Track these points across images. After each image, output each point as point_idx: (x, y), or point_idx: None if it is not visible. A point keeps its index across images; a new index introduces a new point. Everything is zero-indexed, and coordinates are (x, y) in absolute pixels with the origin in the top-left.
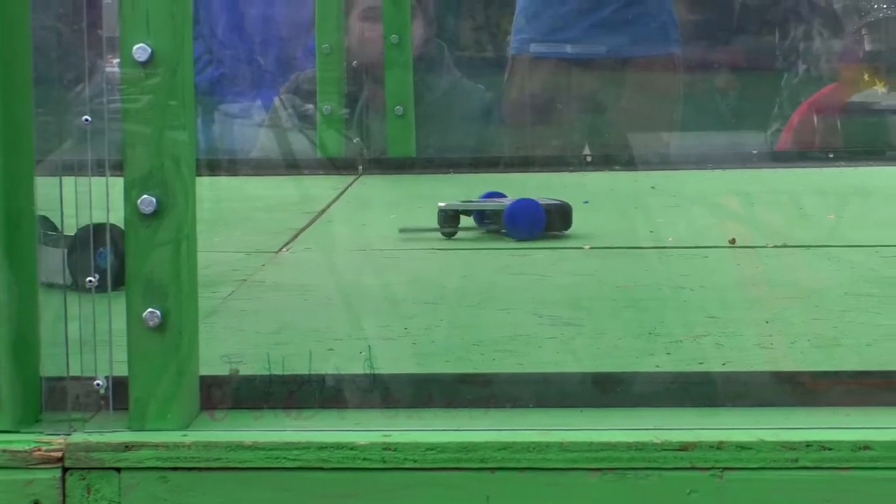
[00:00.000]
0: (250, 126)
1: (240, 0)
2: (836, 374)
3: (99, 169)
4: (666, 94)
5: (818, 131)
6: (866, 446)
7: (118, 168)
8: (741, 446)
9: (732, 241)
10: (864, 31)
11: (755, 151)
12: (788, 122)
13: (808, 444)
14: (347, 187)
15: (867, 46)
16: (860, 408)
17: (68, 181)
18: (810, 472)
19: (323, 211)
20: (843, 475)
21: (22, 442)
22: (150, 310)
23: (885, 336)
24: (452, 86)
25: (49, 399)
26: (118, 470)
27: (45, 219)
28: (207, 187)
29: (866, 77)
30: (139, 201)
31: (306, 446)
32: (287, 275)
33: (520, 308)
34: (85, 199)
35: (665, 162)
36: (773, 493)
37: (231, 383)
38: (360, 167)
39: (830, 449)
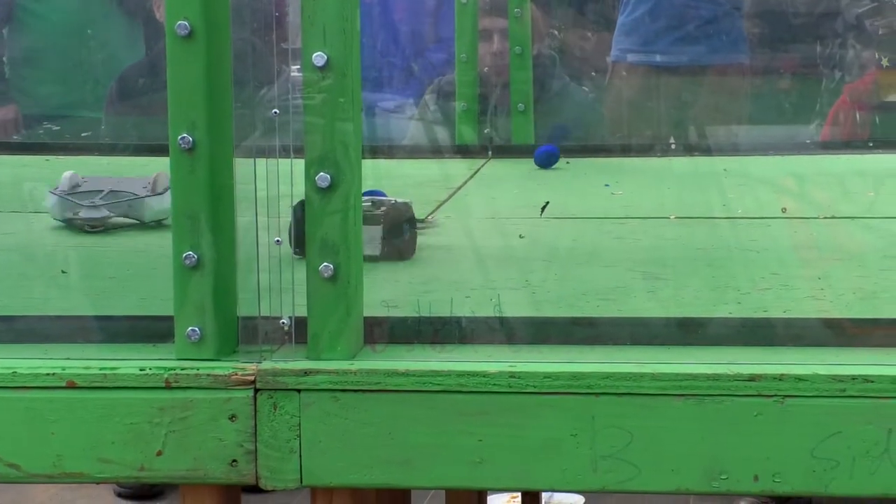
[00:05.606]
0: (403, 119)
1: (395, 19)
2: (876, 321)
3: (284, 152)
4: (735, 94)
5: (853, 122)
6: None
7: (300, 151)
8: (799, 378)
9: (784, 210)
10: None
11: (808, 141)
12: (828, 116)
13: (854, 378)
14: (479, 168)
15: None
16: None
17: (261, 162)
18: (855, 400)
19: (460, 187)
20: (882, 403)
21: (222, 368)
22: (324, 264)
23: None
24: (562, 87)
25: (244, 334)
26: (298, 391)
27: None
28: (369, 167)
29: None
30: (316, 178)
31: (448, 374)
32: (432, 237)
33: (619, 265)
34: (274, 177)
35: (734, 150)
36: (824, 416)
37: (388, 323)
38: (490, 152)
39: (872, 381)
